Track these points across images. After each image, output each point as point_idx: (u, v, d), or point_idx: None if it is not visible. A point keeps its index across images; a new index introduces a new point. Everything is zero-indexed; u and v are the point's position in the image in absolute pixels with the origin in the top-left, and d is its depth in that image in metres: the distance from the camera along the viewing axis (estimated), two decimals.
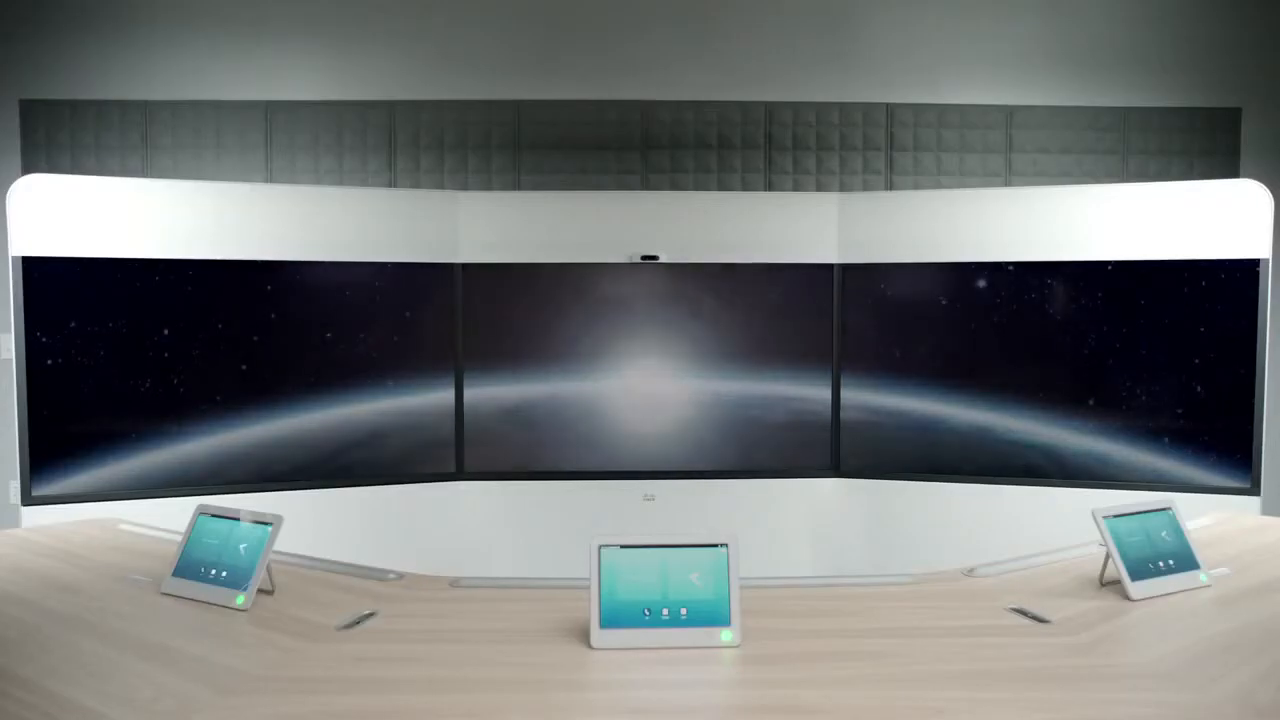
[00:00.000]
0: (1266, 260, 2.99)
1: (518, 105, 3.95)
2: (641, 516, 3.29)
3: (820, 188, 3.95)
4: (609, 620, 1.39)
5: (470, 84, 3.95)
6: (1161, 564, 1.65)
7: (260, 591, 1.60)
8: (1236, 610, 1.54)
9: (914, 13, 3.98)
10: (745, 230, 3.34)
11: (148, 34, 3.90)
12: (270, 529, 1.63)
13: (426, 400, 3.27)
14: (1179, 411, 3.07)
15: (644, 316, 3.33)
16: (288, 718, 1.17)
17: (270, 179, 3.91)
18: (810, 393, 3.34)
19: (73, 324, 2.92)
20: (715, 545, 1.44)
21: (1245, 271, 2.99)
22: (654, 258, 3.32)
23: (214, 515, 1.69)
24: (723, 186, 3.97)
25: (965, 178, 3.97)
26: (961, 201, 3.33)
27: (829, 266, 3.33)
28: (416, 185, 3.92)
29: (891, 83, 3.98)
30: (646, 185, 3.95)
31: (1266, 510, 3.03)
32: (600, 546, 1.43)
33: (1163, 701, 1.19)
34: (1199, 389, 3.05)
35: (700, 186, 3.96)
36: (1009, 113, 3.98)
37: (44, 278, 2.88)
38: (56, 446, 2.90)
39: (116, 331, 2.96)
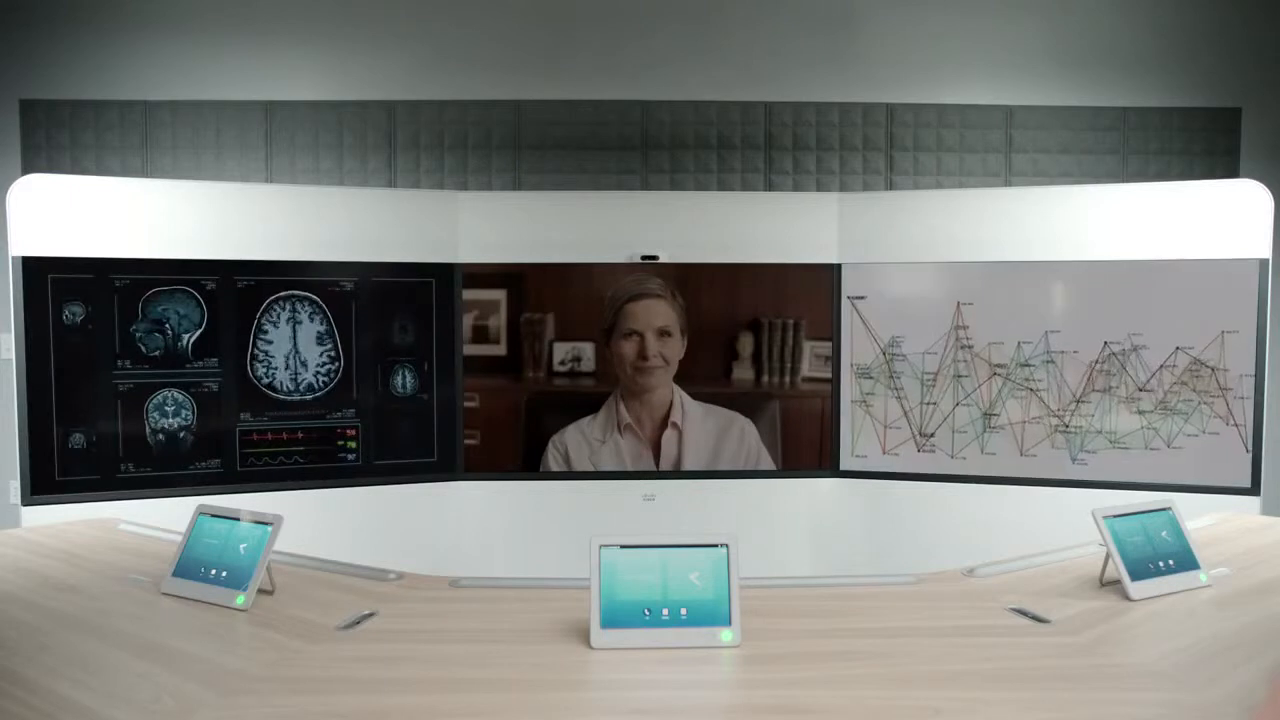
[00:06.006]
0: (1266, 260, 2.99)
1: (518, 105, 3.96)
2: (641, 516, 3.28)
3: (820, 188, 3.95)
4: (609, 620, 1.39)
5: (470, 84, 3.95)
6: (1161, 564, 1.65)
7: (260, 591, 1.60)
8: (1236, 610, 1.54)
9: (914, 13, 3.98)
10: (745, 230, 3.34)
11: (148, 34, 3.90)
12: (270, 529, 1.63)
13: (426, 400, 3.27)
14: (1178, 411, 3.06)
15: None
16: (288, 718, 1.17)
17: (270, 179, 3.91)
18: (810, 392, 3.34)
19: (73, 324, 2.92)
20: (715, 545, 1.44)
21: (1245, 271, 2.99)
22: (654, 258, 3.32)
23: (214, 515, 1.69)
24: (723, 186, 3.97)
25: (965, 178, 3.97)
26: (961, 201, 3.33)
27: (829, 266, 3.33)
28: (416, 185, 3.92)
29: (891, 83, 3.98)
30: (646, 185, 3.95)
31: (1266, 510, 3.03)
32: (600, 546, 1.43)
33: (1163, 701, 1.19)
34: (1198, 389, 3.05)
35: (700, 186, 3.96)
36: (1009, 113, 3.98)
37: (44, 278, 2.88)
38: (56, 446, 2.90)
39: (117, 331, 2.96)
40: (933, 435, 3.25)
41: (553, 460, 3.33)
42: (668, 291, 3.31)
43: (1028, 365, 3.17)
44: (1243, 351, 3.00)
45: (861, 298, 3.30)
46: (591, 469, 3.32)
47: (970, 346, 3.22)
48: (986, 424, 3.21)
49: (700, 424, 3.33)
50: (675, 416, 3.33)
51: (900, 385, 3.28)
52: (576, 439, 3.33)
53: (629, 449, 3.32)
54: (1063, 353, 3.15)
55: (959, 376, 3.23)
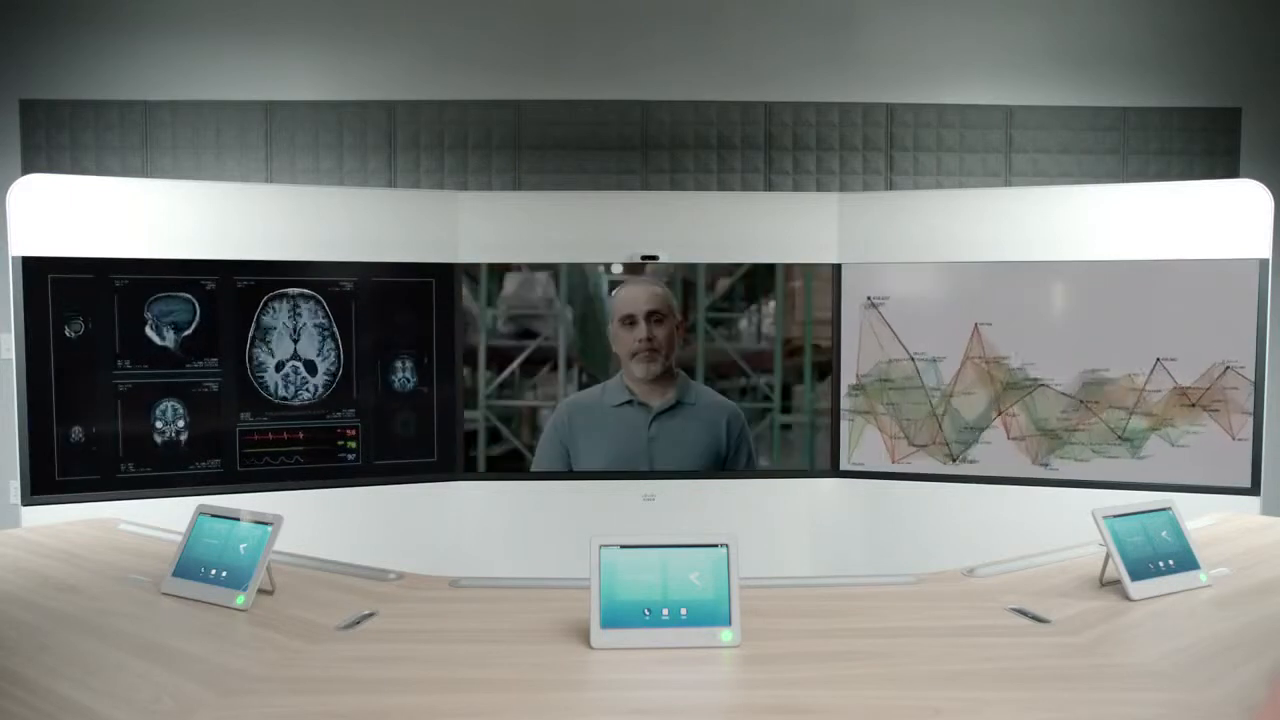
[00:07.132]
0: (1266, 260, 2.99)
1: (518, 105, 3.95)
2: (641, 516, 3.28)
3: (820, 188, 3.95)
4: (609, 620, 1.39)
5: (470, 84, 3.95)
6: (1161, 564, 1.65)
7: (260, 591, 1.60)
8: (1236, 610, 1.54)
9: (914, 13, 3.98)
10: (745, 230, 3.34)
11: (148, 34, 3.90)
12: (270, 529, 1.63)
13: (426, 400, 3.27)
14: (1179, 411, 3.06)
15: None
16: (288, 718, 1.17)
17: (270, 179, 3.91)
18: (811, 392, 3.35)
19: (73, 324, 2.92)
20: (715, 545, 1.44)
21: (1245, 272, 2.99)
22: (654, 258, 3.32)
23: (214, 515, 1.69)
24: (723, 186, 3.97)
25: (965, 178, 3.97)
26: (961, 201, 3.33)
27: (829, 266, 3.33)
28: (416, 185, 3.92)
29: (891, 83, 3.98)
30: (646, 185, 3.95)
31: (1266, 510, 3.03)
32: (600, 546, 1.43)
33: (1163, 701, 1.19)
34: (1198, 389, 3.04)
35: (700, 186, 3.96)
36: (1009, 113, 3.98)
37: (44, 278, 2.88)
38: (57, 446, 2.90)
39: (116, 331, 2.96)
40: (928, 446, 3.25)
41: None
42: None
43: (1027, 375, 3.17)
44: (1243, 352, 3.00)
45: (875, 304, 3.30)
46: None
47: (976, 357, 3.21)
48: (981, 436, 3.20)
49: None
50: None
51: (894, 400, 3.28)
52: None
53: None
54: (1062, 355, 3.14)
55: (963, 394, 3.22)
